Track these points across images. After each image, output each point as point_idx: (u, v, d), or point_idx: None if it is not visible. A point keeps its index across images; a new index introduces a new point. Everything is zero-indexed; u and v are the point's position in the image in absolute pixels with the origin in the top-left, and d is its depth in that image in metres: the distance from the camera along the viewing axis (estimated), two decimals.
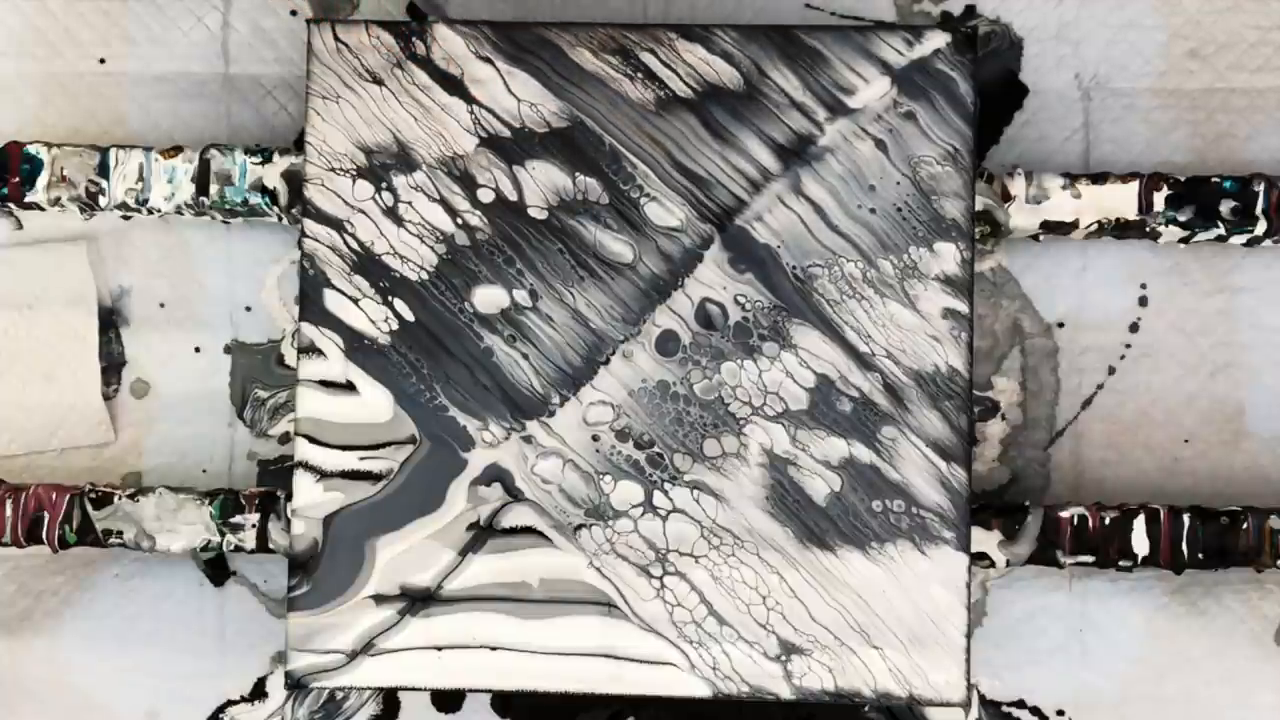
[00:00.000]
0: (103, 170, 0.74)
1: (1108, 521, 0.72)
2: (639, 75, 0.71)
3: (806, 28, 0.72)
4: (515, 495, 0.69)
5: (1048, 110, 0.78)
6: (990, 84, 0.78)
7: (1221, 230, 0.74)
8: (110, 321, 0.78)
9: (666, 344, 0.70)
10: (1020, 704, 0.76)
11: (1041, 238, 0.75)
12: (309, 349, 0.70)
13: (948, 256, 0.70)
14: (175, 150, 0.75)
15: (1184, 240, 0.75)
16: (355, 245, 0.71)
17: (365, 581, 0.69)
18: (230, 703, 0.77)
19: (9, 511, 0.73)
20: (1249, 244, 0.75)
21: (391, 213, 0.71)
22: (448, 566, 0.69)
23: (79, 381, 0.77)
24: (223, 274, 0.79)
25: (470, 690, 0.75)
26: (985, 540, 0.72)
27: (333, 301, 0.71)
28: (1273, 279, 0.78)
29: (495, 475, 0.70)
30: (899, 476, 0.70)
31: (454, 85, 0.71)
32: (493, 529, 0.69)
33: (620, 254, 0.71)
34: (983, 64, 0.78)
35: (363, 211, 0.71)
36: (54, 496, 0.73)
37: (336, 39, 0.72)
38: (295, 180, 0.74)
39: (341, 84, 0.72)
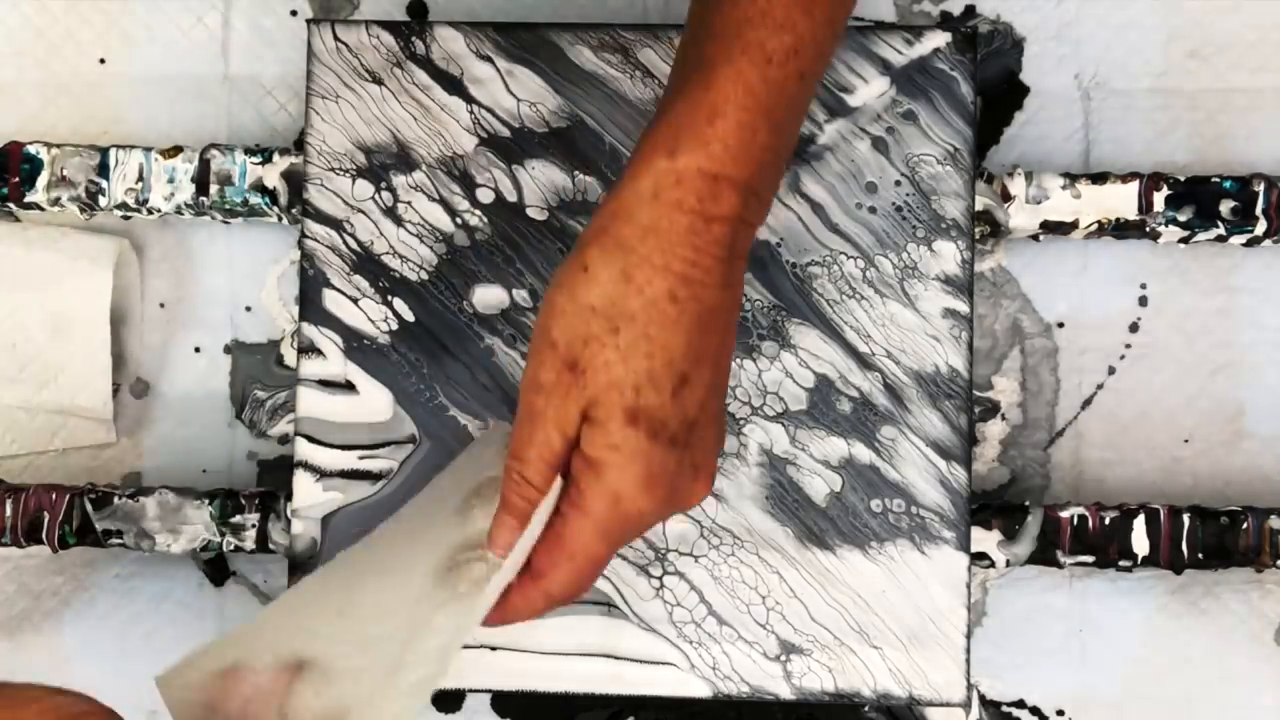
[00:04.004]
0: (103, 170, 0.74)
1: (1108, 521, 0.72)
2: (638, 74, 0.71)
3: None
4: None
5: (1048, 110, 0.78)
6: (991, 83, 0.78)
7: (1221, 230, 0.74)
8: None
9: None
10: (1020, 704, 0.76)
11: (1041, 238, 0.75)
12: (309, 349, 0.71)
13: (948, 256, 0.70)
14: (175, 150, 0.75)
15: (1184, 240, 0.75)
16: (355, 245, 0.71)
17: None
18: None
19: (9, 511, 0.73)
20: (1249, 244, 0.75)
21: (391, 212, 0.71)
22: None
23: (87, 382, 0.77)
24: (223, 274, 0.79)
25: (470, 690, 0.75)
26: (985, 540, 0.72)
27: (332, 301, 0.71)
28: (1273, 279, 0.78)
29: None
30: (899, 476, 0.70)
31: (454, 85, 0.72)
32: None
33: None
34: (984, 64, 0.78)
35: (362, 211, 0.71)
36: (54, 496, 0.73)
37: (336, 39, 0.72)
38: (295, 180, 0.74)
39: (341, 84, 0.72)
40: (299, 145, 0.78)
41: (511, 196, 0.71)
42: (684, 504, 0.54)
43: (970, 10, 0.79)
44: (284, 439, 0.78)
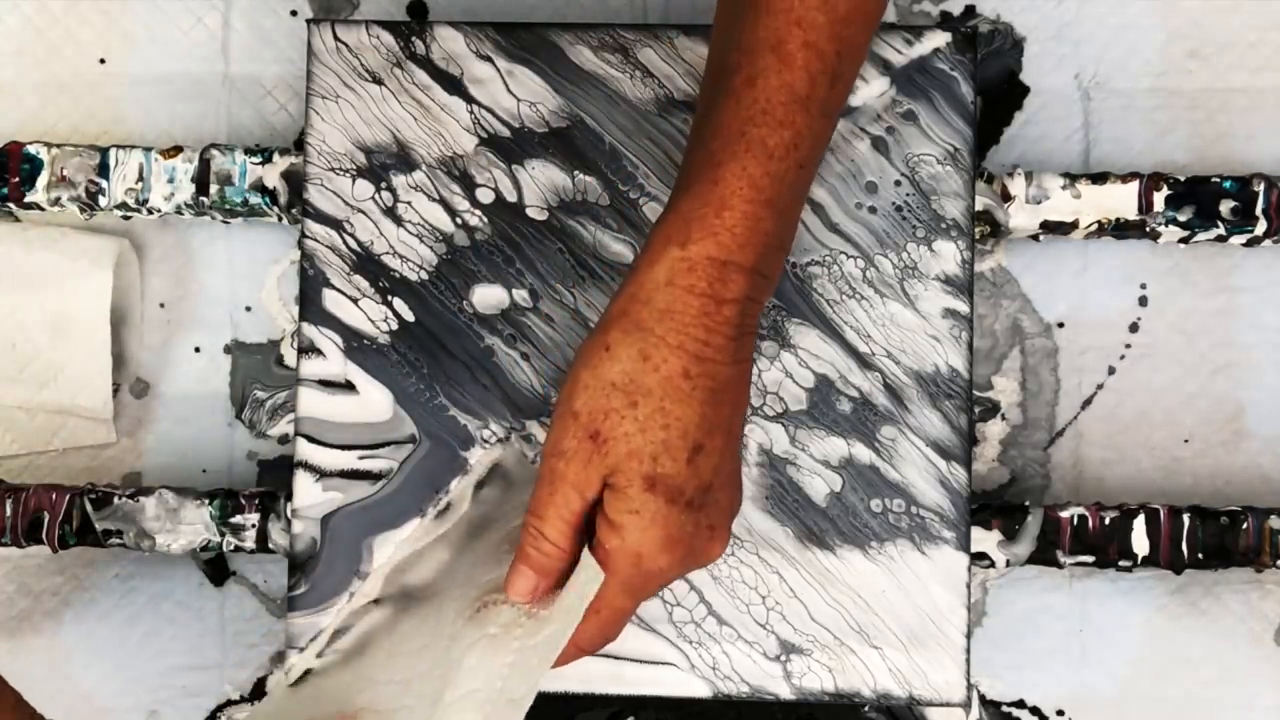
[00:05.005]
0: (103, 170, 0.74)
1: (1108, 521, 0.72)
2: (638, 74, 0.71)
3: None
4: None
5: (1048, 110, 0.78)
6: (991, 83, 0.78)
7: (1221, 230, 0.74)
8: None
9: None
10: (1020, 704, 0.76)
11: (1041, 238, 0.75)
12: (309, 349, 0.70)
13: (948, 256, 0.70)
14: (175, 150, 0.75)
15: (1184, 240, 0.75)
16: (355, 245, 0.71)
17: (364, 582, 0.69)
18: (230, 702, 0.77)
19: (9, 511, 0.73)
20: (1249, 244, 0.75)
21: (391, 212, 0.71)
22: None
23: (87, 382, 0.77)
24: (223, 274, 0.79)
25: None
26: (985, 540, 0.72)
27: (332, 301, 0.71)
28: (1273, 279, 0.78)
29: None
30: (899, 476, 0.70)
31: (454, 85, 0.71)
32: None
33: (620, 254, 0.71)
34: (984, 64, 0.78)
35: (362, 211, 0.71)
36: (54, 496, 0.73)
37: (336, 39, 0.72)
38: (295, 180, 0.74)
39: (341, 84, 0.72)
40: (299, 145, 0.78)
41: (511, 196, 0.71)
42: (701, 561, 0.58)
43: (970, 10, 0.79)
44: (284, 439, 0.78)
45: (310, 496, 0.70)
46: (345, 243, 0.71)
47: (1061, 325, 0.78)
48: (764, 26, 0.56)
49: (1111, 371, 0.78)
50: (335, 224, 0.71)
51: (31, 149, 0.75)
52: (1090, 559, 0.72)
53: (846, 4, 0.56)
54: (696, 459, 0.56)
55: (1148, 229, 0.74)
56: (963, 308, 0.70)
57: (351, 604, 0.69)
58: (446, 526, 0.69)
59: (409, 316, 0.71)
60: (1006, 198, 0.73)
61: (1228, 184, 0.73)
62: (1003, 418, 0.78)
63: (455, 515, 0.69)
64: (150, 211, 0.75)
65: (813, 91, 0.56)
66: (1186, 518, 0.72)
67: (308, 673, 0.68)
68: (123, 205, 0.75)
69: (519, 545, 0.59)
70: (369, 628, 0.68)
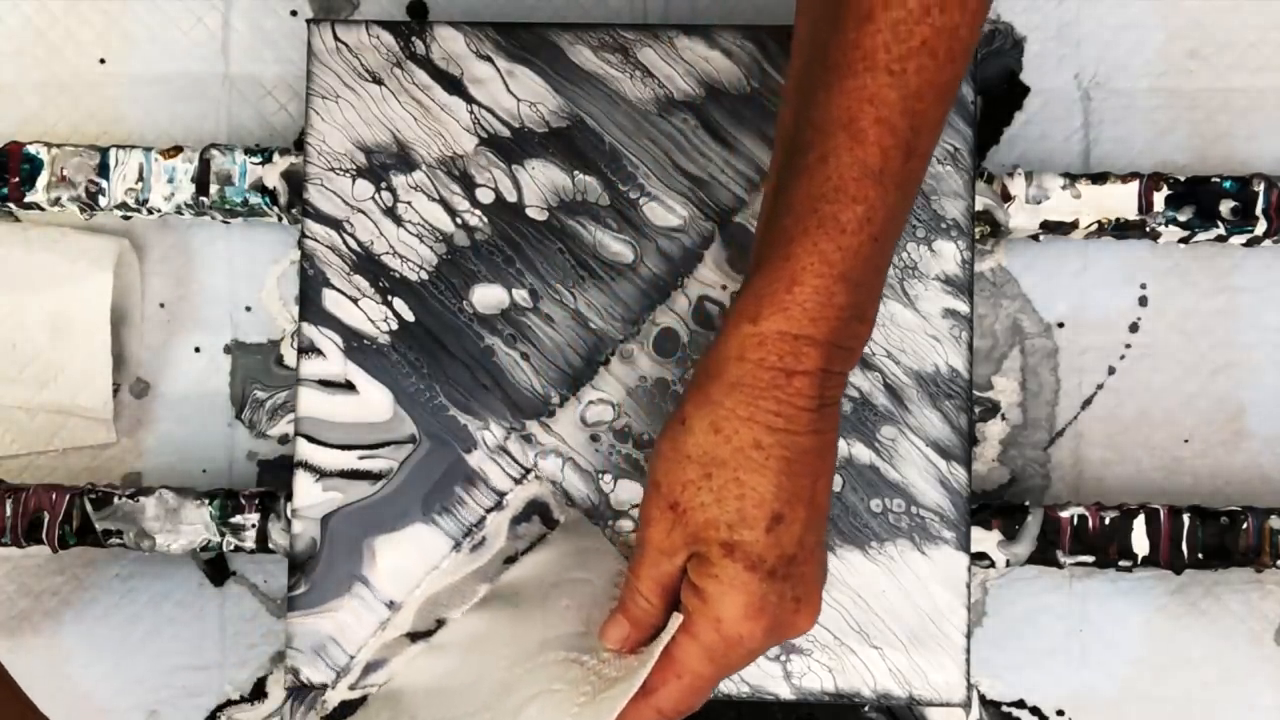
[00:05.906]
0: (103, 170, 0.74)
1: (1108, 521, 0.72)
2: (638, 74, 0.71)
3: None
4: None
5: (1048, 110, 0.78)
6: (991, 83, 0.78)
7: (1221, 230, 0.74)
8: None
9: (665, 343, 0.70)
10: (1020, 704, 0.76)
11: (1041, 238, 0.75)
12: (309, 349, 0.70)
13: (948, 256, 0.70)
14: (175, 150, 0.75)
15: (1184, 240, 0.75)
16: (355, 245, 0.71)
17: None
18: (230, 702, 0.77)
19: (9, 511, 0.73)
20: (1249, 244, 0.75)
21: (391, 212, 0.71)
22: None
23: (87, 382, 0.77)
24: (223, 274, 0.79)
25: None
26: (985, 540, 0.72)
27: (332, 301, 0.71)
28: (1273, 279, 0.78)
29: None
30: (899, 476, 0.70)
31: (454, 85, 0.71)
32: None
33: (620, 254, 0.71)
34: (984, 64, 0.78)
35: (362, 211, 0.71)
36: (54, 496, 0.73)
37: (336, 39, 0.72)
38: (295, 180, 0.74)
39: (341, 84, 0.72)
40: (299, 145, 0.78)
41: (511, 196, 0.71)
42: (787, 634, 0.59)
43: None
44: (284, 439, 0.79)
45: (310, 496, 0.70)
46: (345, 243, 0.71)
47: (1061, 325, 0.78)
48: (836, 105, 0.55)
49: (1111, 371, 0.78)
50: (335, 224, 0.71)
51: (31, 149, 0.75)
52: (1090, 559, 0.72)
53: (918, 79, 0.55)
54: (777, 528, 0.56)
55: (1148, 229, 0.74)
56: (963, 308, 0.70)
57: (384, 636, 0.69)
58: (482, 562, 0.69)
59: (409, 316, 0.71)
60: (1006, 198, 0.73)
61: (1228, 184, 0.73)
62: (1003, 418, 0.78)
63: (491, 550, 0.69)
64: (150, 211, 0.75)
65: (886, 165, 0.55)
66: (1186, 518, 0.72)
67: (342, 706, 0.68)
68: (123, 205, 0.75)
69: (620, 599, 0.61)
70: (406, 663, 0.68)
